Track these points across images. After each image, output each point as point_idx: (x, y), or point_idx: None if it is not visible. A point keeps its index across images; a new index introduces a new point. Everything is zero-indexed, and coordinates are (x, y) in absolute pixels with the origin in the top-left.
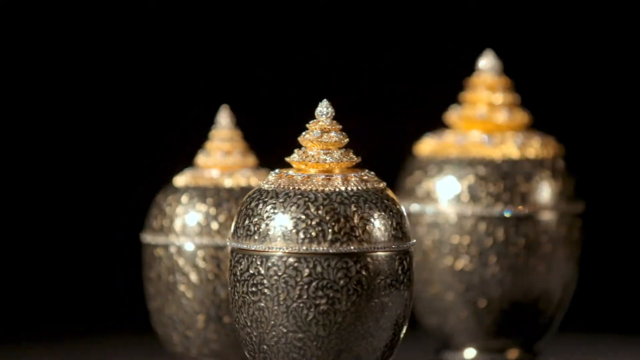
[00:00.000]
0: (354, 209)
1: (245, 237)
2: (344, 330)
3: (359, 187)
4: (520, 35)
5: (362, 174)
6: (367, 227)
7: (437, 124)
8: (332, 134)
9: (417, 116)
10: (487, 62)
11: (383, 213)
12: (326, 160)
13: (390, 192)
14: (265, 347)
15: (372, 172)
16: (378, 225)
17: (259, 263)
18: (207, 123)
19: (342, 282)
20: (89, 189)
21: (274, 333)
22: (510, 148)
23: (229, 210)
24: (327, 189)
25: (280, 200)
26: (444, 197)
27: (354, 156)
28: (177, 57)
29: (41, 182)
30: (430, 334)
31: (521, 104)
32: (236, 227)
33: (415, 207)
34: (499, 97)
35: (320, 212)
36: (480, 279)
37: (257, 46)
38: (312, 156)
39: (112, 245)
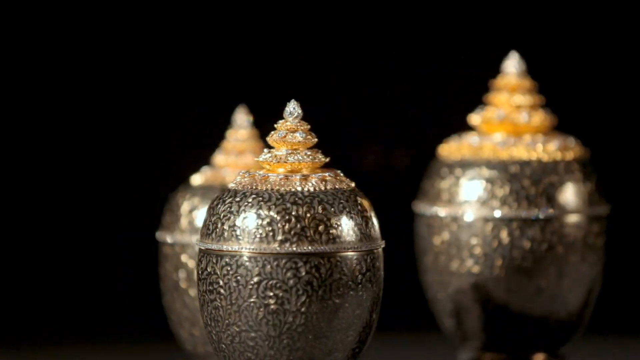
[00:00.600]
0: (306, 209)
1: (205, 236)
2: (295, 330)
3: (318, 188)
4: (545, 37)
5: (328, 174)
6: (319, 228)
7: (461, 126)
8: (298, 134)
9: (441, 118)
10: (511, 64)
11: (341, 214)
12: (290, 160)
13: (358, 193)
14: (223, 345)
15: (341, 172)
16: (333, 226)
17: (214, 262)
18: (223, 122)
19: (291, 282)
20: (104, 188)
21: (229, 332)
22: (534, 150)
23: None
24: (282, 189)
25: (237, 199)
26: (469, 199)
27: (322, 156)
28: (188, 58)
29: (56, 182)
30: (448, 336)
31: (545, 106)
32: (206, 228)
33: (439, 210)
34: (523, 99)
35: (271, 212)
36: (505, 282)
37: (283, 46)
38: (279, 156)
39: (131, 243)
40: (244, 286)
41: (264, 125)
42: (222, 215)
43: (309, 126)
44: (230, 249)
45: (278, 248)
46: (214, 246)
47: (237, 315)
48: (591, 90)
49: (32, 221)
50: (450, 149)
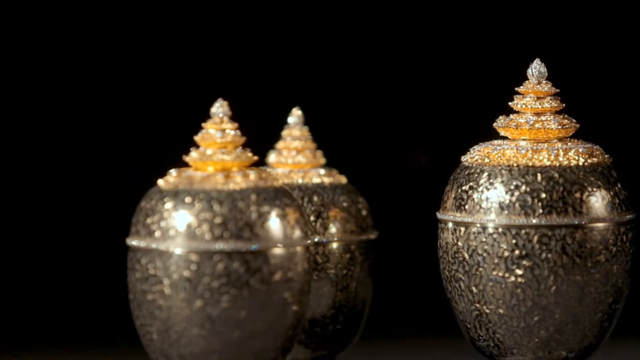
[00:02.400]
0: (252, 206)
1: (146, 235)
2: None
3: (259, 185)
4: (569, 44)
5: (261, 172)
6: (242, 225)
7: (486, 133)
8: (229, 132)
9: (466, 125)
10: (535, 70)
11: (283, 210)
12: (223, 159)
13: (286, 191)
14: (165, 345)
15: (270, 170)
16: (273, 222)
17: (157, 261)
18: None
19: (242, 279)
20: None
21: (175, 329)
22: (558, 157)
23: (300, 209)
24: (226, 187)
25: (180, 198)
26: (493, 207)
27: (251, 154)
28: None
29: (56, 184)
30: (479, 346)
31: (569, 113)
32: (135, 226)
33: (463, 217)
34: (547, 106)
35: (220, 210)
36: (532, 290)
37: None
38: (210, 155)
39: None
40: (192, 284)
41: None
42: (165, 214)
43: (236, 124)
44: (176, 247)
45: (223, 245)
46: (158, 245)
47: (183, 312)
48: (613, 96)
49: (27, 221)
50: (474, 156)
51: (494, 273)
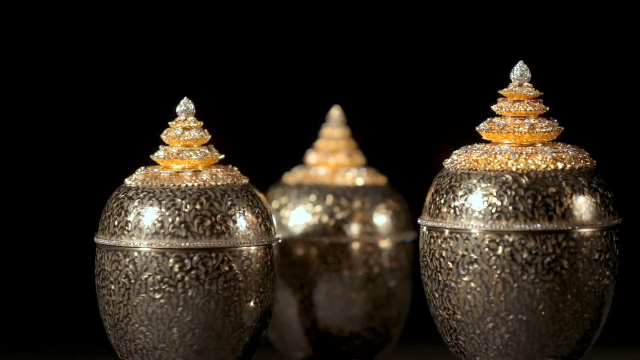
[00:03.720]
0: (220, 204)
1: (113, 233)
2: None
3: (225, 182)
4: (554, 46)
5: (227, 170)
6: (229, 223)
7: (468, 137)
8: (194, 131)
9: (448, 129)
10: (518, 73)
11: (247, 208)
12: (190, 157)
13: (254, 188)
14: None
15: (236, 168)
16: (242, 220)
17: (125, 259)
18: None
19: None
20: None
21: (136, 326)
22: (541, 160)
23: (342, 207)
24: (192, 184)
25: (147, 196)
26: (471, 212)
27: (217, 153)
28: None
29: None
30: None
31: (551, 116)
32: (102, 224)
33: (441, 222)
34: (530, 109)
35: (184, 207)
36: (516, 295)
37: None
38: (176, 153)
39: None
40: (157, 280)
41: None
42: (132, 212)
43: (201, 123)
44: (144, 244)
45: (190, 243)
46: (126, 242)
47: (144, 309)
48: (596, 100)
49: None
50: (454, 160)
51: (462, 279)
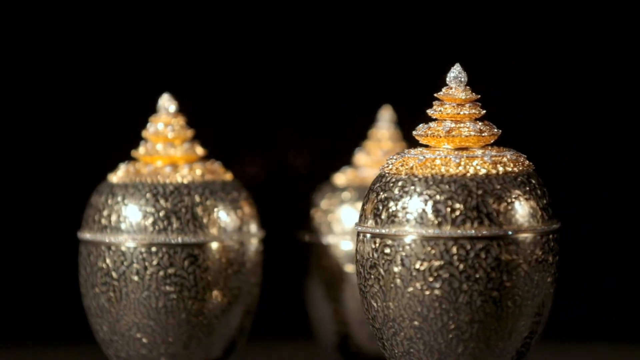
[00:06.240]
0: (198, 200)
1: (96, 229)
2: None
3: (207, 179)
4: (490, 50)
5: (208, 166)
6: (213, 218)
7: (407, 141)
8: (175, 127)
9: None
10: (454, 76)
11: (228, 203)
12: (171, 153)
13: (235, 185)
14: (115, 337)
15: (219, 162)
16: (221, 215)
17: (107, 254)
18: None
19: (183, 272)
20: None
21: (123, 322)
22: (478, 165)
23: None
24: (174, 180)
25: (130, 192)
26: (409, 217)
27: (201, 148)
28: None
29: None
30: None
31: (487, 119)
32: (86, 220)
33: (380, 228)
34: (467, 112)
35: (166, 203)
36: (452, 303)
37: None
38: (157, 150)
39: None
40: (141, 277)
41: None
42: (115, 208)
43: (183, 119)
44: (125, 240)
45: (172, 239)
46: (109, 239)
47: (133, 305)
48: (532, 104)
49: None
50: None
51: (410, 286)
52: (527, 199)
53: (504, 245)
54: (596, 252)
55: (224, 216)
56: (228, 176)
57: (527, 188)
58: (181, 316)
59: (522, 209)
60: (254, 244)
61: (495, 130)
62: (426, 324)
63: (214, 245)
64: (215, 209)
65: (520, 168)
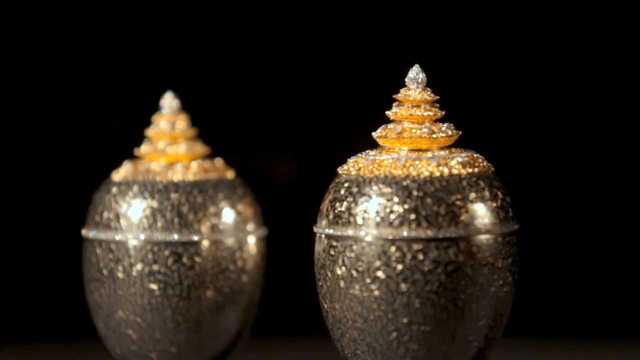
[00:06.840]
0: (194, 198)
1: (99, 226)
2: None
3: (211, 177)
4: (448, 50)
5: (208, 163)
6: (205, 216)
7: (366, 143)
8: (178, 125)
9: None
10: (412, 77)
11: (225, 201)
12: (174, 151)
13: (240, 183)
14: (110, 332)
15: (222, 160)
16: (226, 213)
17: (111, 251)
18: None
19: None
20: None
21: (115, 317)
22: (438, 166)
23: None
24: (178, 178)
25: (122, 189)
26: (366, 219)
27: (204, 146)
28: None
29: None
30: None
31: (445, 120)
32: (90, 217)
33: (337, 230)
34: (426, 114)
35: (171, 201)
36: (391, 305)
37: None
38: (161, 148)
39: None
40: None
41: None
42: (110, 205)
43: (186, 117)
44: (121, 237)
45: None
46: (108, 236)
47: (123, 301)
48: (492, 104)
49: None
50: (350, 166)
51: (351, 287)
52: (471, 202)
53: (443, 247)
54: (596, 252)
55: (224, 214)
56: (230, 174)
57: (474, 190)
58: (166, 313)
59: (464, 211)
60: (252, 242)
61: (451, 132)
62: (367, 326)
63: (213, 244)
64: (216, 208)
65: (471, 170)
